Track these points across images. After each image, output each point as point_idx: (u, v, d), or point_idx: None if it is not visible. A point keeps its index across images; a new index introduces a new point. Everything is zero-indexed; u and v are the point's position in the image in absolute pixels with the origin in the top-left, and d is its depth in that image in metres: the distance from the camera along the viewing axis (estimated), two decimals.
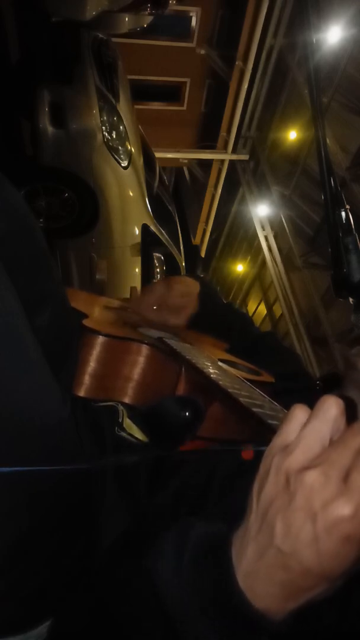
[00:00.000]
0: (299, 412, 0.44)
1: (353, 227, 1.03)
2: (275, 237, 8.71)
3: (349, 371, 0.84)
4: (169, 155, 8.49)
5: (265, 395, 0.67)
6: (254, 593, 0.42)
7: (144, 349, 0.80)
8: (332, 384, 0.91)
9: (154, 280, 3.49)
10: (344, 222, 1.03)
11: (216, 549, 0.46)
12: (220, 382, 0.67)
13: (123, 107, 3.47)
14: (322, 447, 0.41)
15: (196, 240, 9.79)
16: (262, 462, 0.44)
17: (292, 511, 0.39)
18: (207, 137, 8.69)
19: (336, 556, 0.38)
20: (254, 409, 0.55)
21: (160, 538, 0.52)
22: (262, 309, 10.49)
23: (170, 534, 0.51)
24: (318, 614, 0.46)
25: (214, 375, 0.70)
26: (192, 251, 5.66)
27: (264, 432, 0.51)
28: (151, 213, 3.61)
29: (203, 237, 10.16)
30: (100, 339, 0.79)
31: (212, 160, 8.84)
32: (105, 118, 3.22)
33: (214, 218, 9.80)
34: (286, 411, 0.56)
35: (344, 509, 0.37)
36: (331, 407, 0.42)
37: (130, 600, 0.51)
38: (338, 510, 0.37)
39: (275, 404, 0.63)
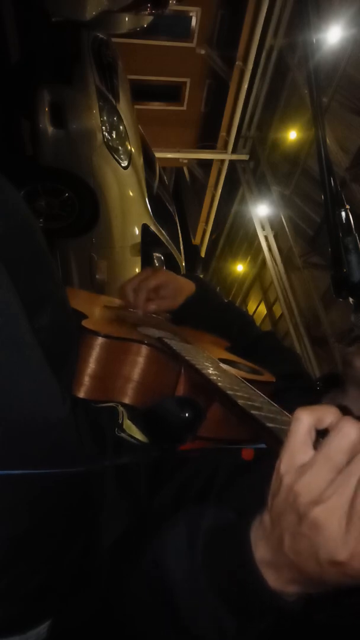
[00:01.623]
0: (304, 417, 0.43)
1: (353, 227, 1.03)
2: (275, 237, 8.71)
3: (346, 369, 0.84)
4: (169, 155, 8.50)
5: (265, 397, 0.67)
6: (268, 577, 0.44)
7: (144, 350, 0.80)
8: (331, 384, 0.91)
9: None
10: (344, 222, 1.03)
11: (235, 530, 0.48)
12: (220, 384, 0.66)
13: (123, 107, 3.47)
14: (336, 473, 0.40)
15: (196, 240, 9.80)
16: (275, 471, 0.44)
17: (298, 536, 0.41)
18: (207, 137, 8.69)
19: (339, 582, 0.41)
20: (252, 412, 0.55)
21: (167, 528, 0.53)
22: (262, 309, 10.49)
23: (182, 519, 0.53)
24: (313, 608, 0.48)
25: (214, 376, 0.70)
26: (192, 251, 5.67)
27: (263, 434, 0.51)
28: (151, 213, 3.61)
29: (203, 237, 10.16)
30: (100, 340, 0.79)
31: (212, 160, 8.84)
32: (105, 118, 3.22)
33: (214, 218, 9.80)
34: (285, 413, 0.56)
35: (340, 554, 0.39)
36: (350, 434, 0.40)
37: (136, 591, 0.52)
38: (336, 555, 0.39)
39: (275, 405, 0.63)
